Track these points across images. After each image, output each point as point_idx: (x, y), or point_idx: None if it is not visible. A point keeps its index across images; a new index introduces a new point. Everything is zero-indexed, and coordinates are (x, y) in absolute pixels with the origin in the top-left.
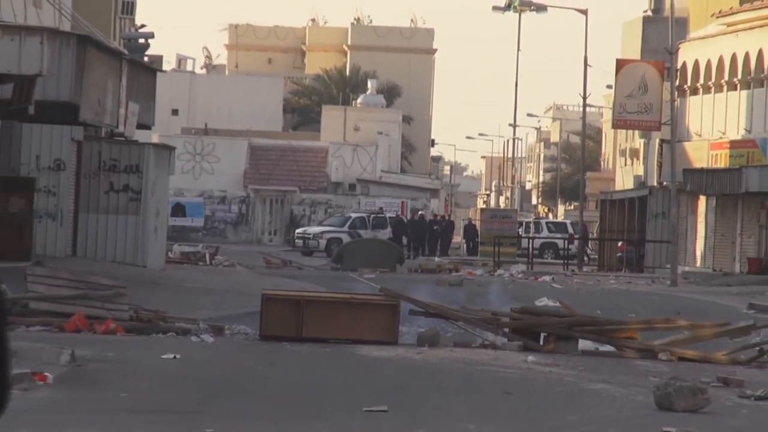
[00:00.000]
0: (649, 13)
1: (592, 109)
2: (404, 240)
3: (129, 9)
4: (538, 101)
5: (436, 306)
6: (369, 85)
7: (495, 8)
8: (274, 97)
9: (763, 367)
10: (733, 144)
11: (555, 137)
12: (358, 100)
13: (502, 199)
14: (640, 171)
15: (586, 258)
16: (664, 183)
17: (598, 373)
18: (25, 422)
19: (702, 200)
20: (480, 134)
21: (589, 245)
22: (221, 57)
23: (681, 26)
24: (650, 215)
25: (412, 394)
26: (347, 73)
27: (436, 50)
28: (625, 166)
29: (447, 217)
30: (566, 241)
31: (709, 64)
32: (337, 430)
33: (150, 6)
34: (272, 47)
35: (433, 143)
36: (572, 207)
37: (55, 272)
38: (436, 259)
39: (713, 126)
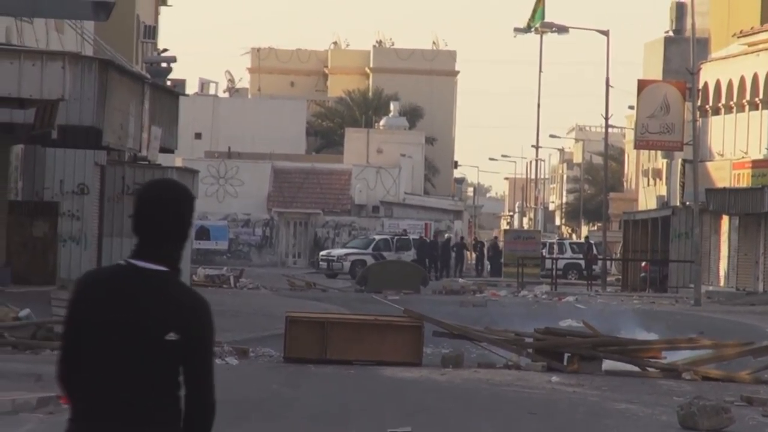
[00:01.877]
0: (671, 33)
1: (615, 130)
2: (427, 261)
3: (151, 33)
4: (561, 122)
5: (460, 327)
6: (391, 107)
7: (516, 30)
8: (297, 119)
9: None
10: (755, 163)
11: (578, 158)
12: (381, 123)
13: (525, 220)
14: (663, 191)
15: (585, 272)
16: (687, 203)
17: (622, 393)
18: None
19: (725, 220)
20: (503, 156)
21: (596, 264)
22: (244, 80)
23: (702, 46)
24: (673, 235)
25: (437, 415)
26: (370, 95)
27: (458, 72)
28: (647, 187)
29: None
30: (590, 261)
31: (730, 83)
32: None
33: (172, 30)
34: (295, 70)
35: (456, 165)
36: (596, 227)
37: None
38: (460, 280)
39: (735, 146)
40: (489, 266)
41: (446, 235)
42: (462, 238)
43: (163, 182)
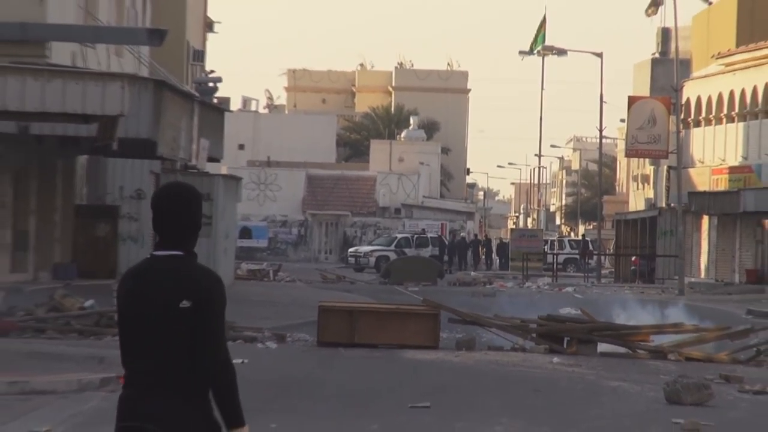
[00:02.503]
0: (657, 55)
1: (608, 140)
2: (446, 257)
3: (199, 57)
4: (560, 134)
5: (472, 315)
6: (411, 121)
7: (521, 52)
8: (328, 132)
9: (761, 366)
10: (732, 169)
11: (575, 165)
12: (402, 135)
13: (529, 220)
14: (651, 194)
15: (582, 266)
16: (672, 204)
17: (615, 372)
18: (113, 419)
19: (705, 219)
20: (509, 163)
21: (592, 259)
22: (281, 98)
23: (685, 67)
24: (660, 233)
25: (452, 392)
26: (392, 111)
27: (470, 90)
28: (637, 190)
29: (488, 238)
30: (585, 256)
31: (710, 99)
32: (385, 424)
33: (218, 53)
34: (326, 89)
35: (468, 172)
36: (591, 227)
37: None
38: (473, 273)
39: (714, 154)
40: (498, 261)
41: (461, 234)
42: (476, 235)
43: (175, 185)
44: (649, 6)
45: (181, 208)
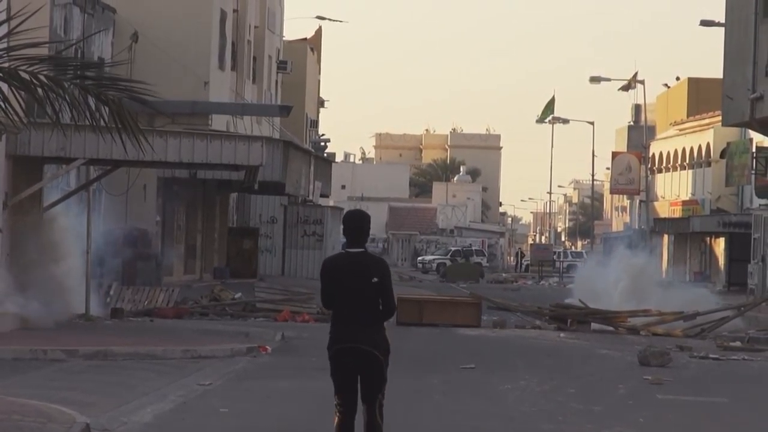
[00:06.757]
0: (632, 123)
1: (598, 182)
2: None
3: (314, 124)
4: (565, 177)
5: (504, 303)
6: (461, 169)
7: (537, 121)
8: (403, 177)
9: (704, 339)
10: (684, 203)
11: (575, 199)
12: (454, 179)
13: (543, 238)
14: (627, 219)
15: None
16: (642, 227)
17: (603, 343)
18: (255, 376)
19: (665, 237)
20: (530, 198)
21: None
22: (371, 153)
23: (651, 131)
24: (633, 247)
25: (489, 356)
26: (448, 162)
27: (501, 147)
28: (618, 217)
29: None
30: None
31: (668, 153)
32: (444, 379)
33: (327, 122)
34: (402, 147)
35: (500, 204)
36: (586, 242)
37: (271, 285)
38: (504, 274)
39: (672, 191)
40: (522, 266)
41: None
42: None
43: (357, 211)
44: (623, 87)
45: (361, 224)
